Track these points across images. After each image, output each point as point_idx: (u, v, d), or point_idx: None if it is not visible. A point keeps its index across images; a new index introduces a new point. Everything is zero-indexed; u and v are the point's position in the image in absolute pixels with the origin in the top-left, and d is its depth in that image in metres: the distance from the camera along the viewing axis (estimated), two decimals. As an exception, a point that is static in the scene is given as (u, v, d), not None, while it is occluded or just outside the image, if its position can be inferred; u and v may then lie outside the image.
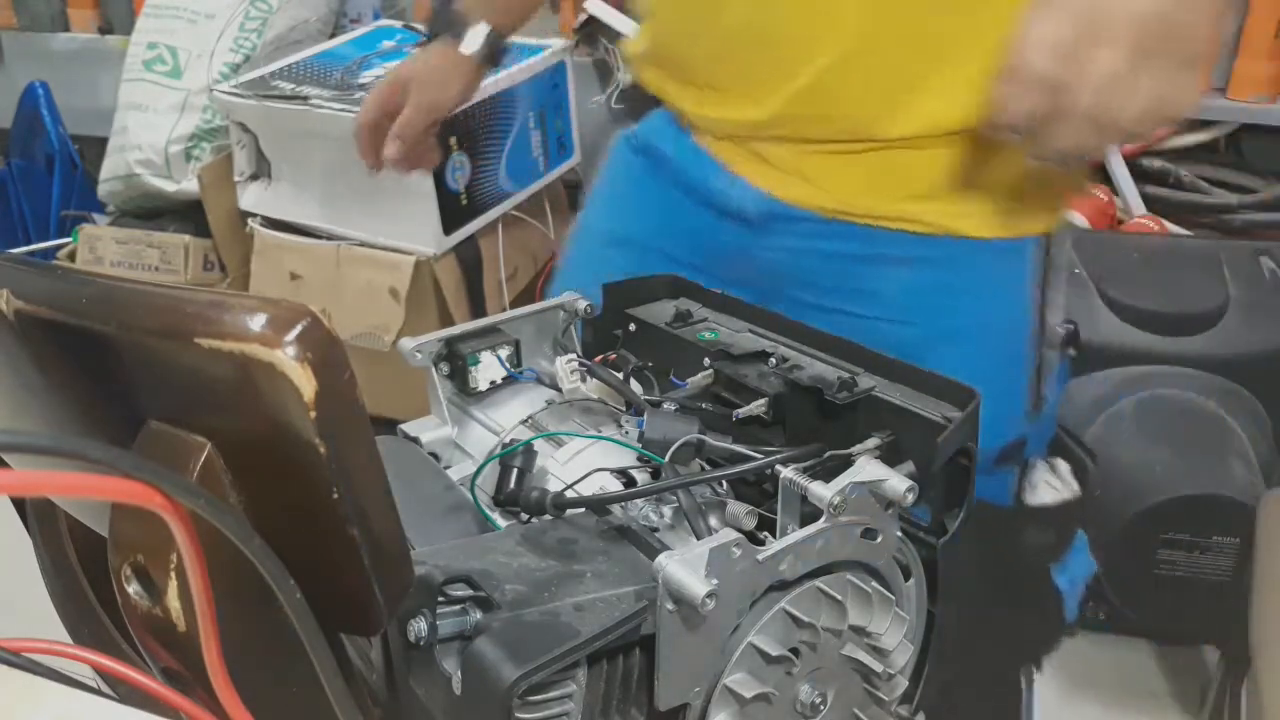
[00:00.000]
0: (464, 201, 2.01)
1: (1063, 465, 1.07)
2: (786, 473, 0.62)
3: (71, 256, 2.42)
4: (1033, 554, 1.07)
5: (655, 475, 0.69)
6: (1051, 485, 1.05)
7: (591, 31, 2.25)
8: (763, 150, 0.95)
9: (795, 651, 0.60)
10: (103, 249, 2.38)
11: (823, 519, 0.60)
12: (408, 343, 0.79)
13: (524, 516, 0.67)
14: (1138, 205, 2.01)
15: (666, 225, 1.02)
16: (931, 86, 0.87)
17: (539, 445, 0.72)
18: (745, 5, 0.89)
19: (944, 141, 0.89)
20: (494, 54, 1.17)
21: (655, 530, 0.65)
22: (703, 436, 0.68)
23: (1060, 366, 1.02)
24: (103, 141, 2.47)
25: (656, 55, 1.01)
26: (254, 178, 2.19)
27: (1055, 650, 1.24)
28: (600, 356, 0.82)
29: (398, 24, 2.33)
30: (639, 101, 1.06)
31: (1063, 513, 1.07)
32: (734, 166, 0.97)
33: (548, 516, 0.66)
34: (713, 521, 0.65)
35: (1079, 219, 1.88)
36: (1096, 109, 0.68)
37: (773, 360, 0.75)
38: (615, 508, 0.66)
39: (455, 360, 0.79)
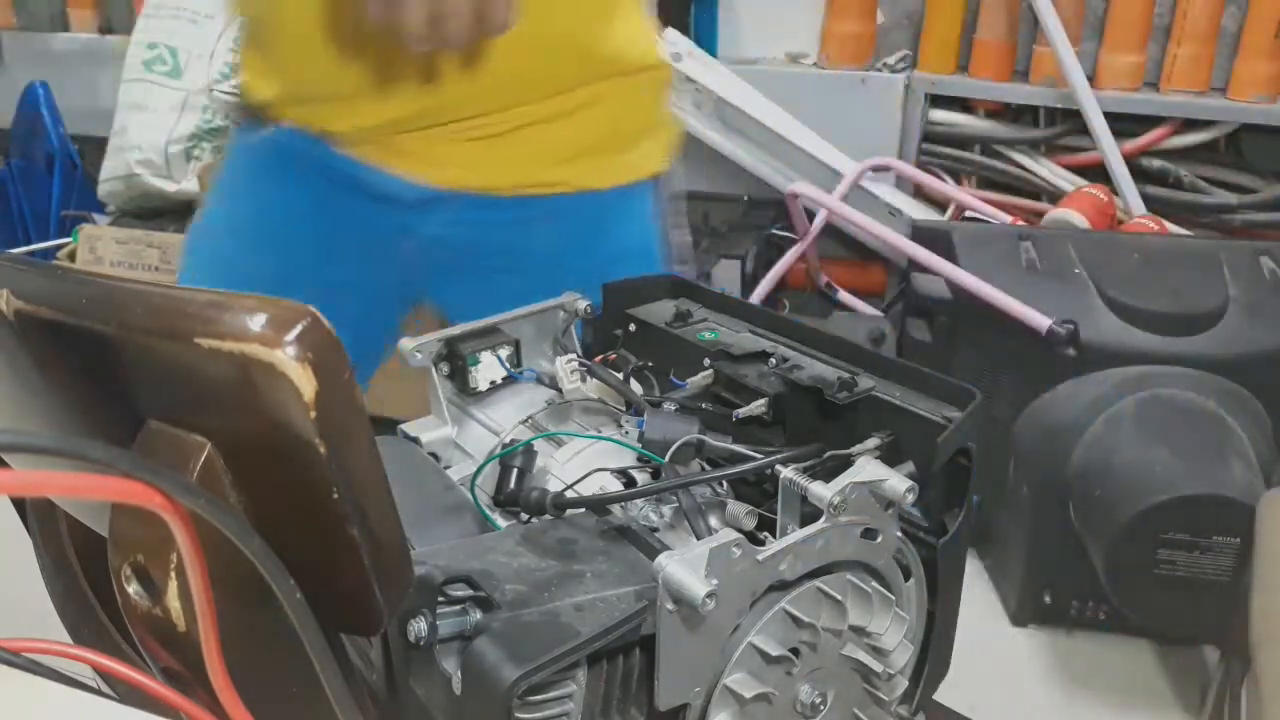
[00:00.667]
0: (464, 201, 2.00)
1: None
2: (786, 473, 0.62)
3: (71, 256, 2.42)
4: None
5: (655, 475, 0.69)
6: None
7: (591, 31, 2.25)
8: (406, 144, 1.01)
9: (795, 651, 0.60)
10: (103, 249, 2.38)
11: (823, 519, 0.60)
12: (408, 343, 0.79)
13: (524, 516, 0.67)
14: (1138, 205, 2.01)
15: (315, 220, 1.06)
16: (525, 78, 0.99)
17: (539, 445, 0.72)
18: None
19: (562, 118, 1.01)
20: None
21: (655, 530, 0.65)
22: (703, 436, 0.68)
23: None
24: (103, 141, 2.47)
25: (287, 92, 1.04)
26: (254, 178, 2.18)
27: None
28: (600, 356, 0.82)
29: (398, 24, 2.33)
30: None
31: None
32: (385, 163, 1.02)
33: (548, 516, 0.66)
34: (713, 521, 0.65)
35: (1079, 219, 1.88)
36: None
37: (773, 360, 0.75)
38: (615, 508, 0.66)
39: (455, 360, 0.79)
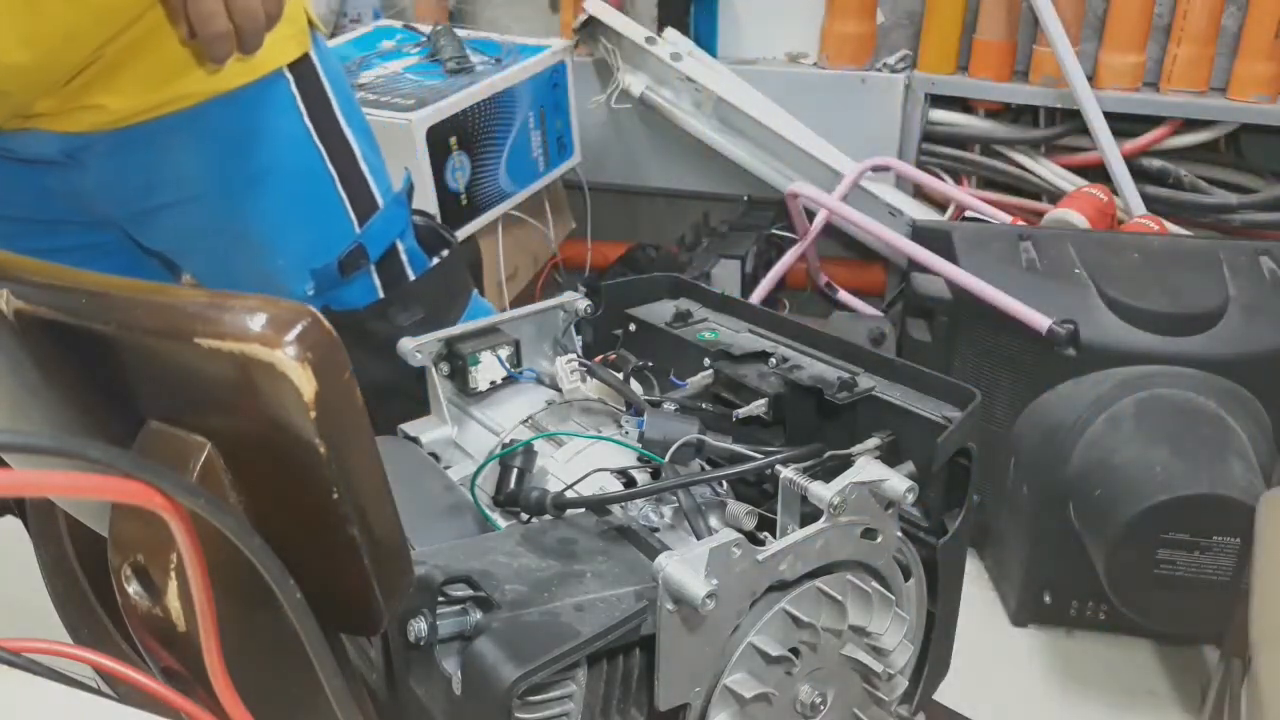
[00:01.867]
0: (464, 201, 2.01)
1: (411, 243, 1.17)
2: (786, 473, 0.62)
3: (71, 256, 2.42)
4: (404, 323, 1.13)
5: (655, 475, 0.68)
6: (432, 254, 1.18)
7: (591, 31, 2.25)
8: (34, 108, 0.97)
9: (795, 651, 0.60)
10: (103, 249, 2.38)
11: (823, 519, 0.60)
12: (408, 343, 0.79)
13: (524, 516, 0.67)
14: (1138, 205, 2.01)
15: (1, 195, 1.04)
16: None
17: (539, 445, 0.72)
18: None
19: (143, 34, 0.96)
20: None
21: (655, 530, 0.65)
22: (703, 436, 0.68)
23: (381, 163, 1.13)
24: (103, 141, 2.46)
25: None
26: (254, 178, 2.18)
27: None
28: (600, 356, 0.82)
29: (398, 24, 2.33)
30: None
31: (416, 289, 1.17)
32: (21, 126, 0.99)
33: (548, 516, 0.66)
34: (713, 521, 0.65)
35: (1079, 219, 1.88)
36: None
37: (773, 360, 0.75)
38: (615, 508, 0.66)
39: (455, 360, 0.79)
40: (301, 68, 1.04)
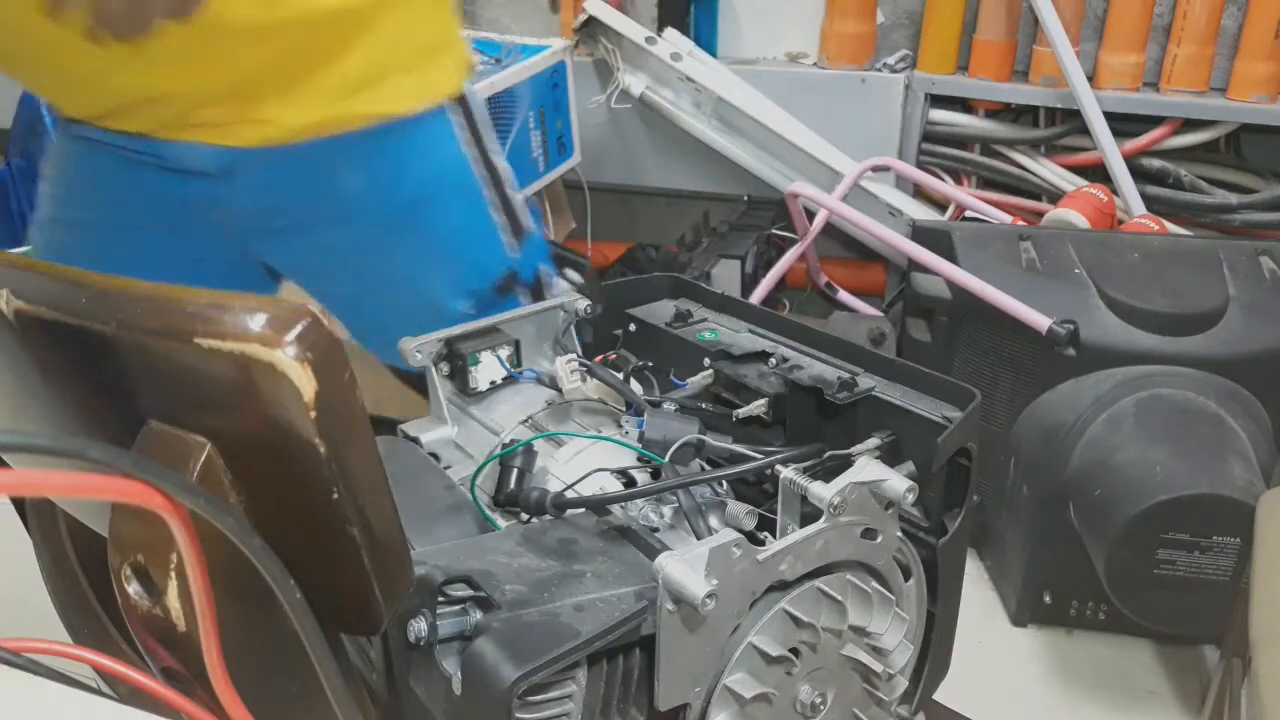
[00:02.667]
0: (464, 201, 2.00)
1: (573, 275, 1.21)
2: (786, 473, 0.62)
3: (71, 256, 2.42)
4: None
5: (655, 475, 0.68)
6: (569, 281, 1.20)
7: (591, 31, 2.25)
8: (195, 117, 0.98)
9: (795, 651, 0.60)
10: (103, 249, 2.38)
11: (823, 519, 0.60)
12: (408, 343, 0.79)
13: (524, 516, 0.67)
14: (1138, 205, 2.01)
15: (124, 200, 1.04)
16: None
17: (539, 445, 0.72)
18: None
19: (338, 44, 0.97)
20: None
21: (655, 530, 0.65)
22: (703, 437, 0.68)
23: (531, 202, 1.16)
24: (103, 141, 2.46)
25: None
26: (254, 178, 2.18)
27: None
28: (600, 356, 0.82)
29: (398, 24, 2.32)
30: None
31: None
32: (176, 136, 1.00)
33: (548, 517, 0.66)
34: (713, 521, 0.65)
35: (1079, 219, 1.88)
36: None
37: (773, 360, 0.75)
38: (615, 508, 0.66)
39: (455, 360, 0.79)
40: (461, 100, 1.08)
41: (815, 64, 2.26)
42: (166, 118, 0.98)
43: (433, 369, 0.79)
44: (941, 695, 0.77)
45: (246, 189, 1.02)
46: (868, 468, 0.62)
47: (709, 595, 0.53)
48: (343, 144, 1.01)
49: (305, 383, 0.40)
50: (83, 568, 0.61)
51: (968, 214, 2.11)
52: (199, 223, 1.05)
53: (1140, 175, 2.07)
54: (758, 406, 0.72)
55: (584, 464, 0.70)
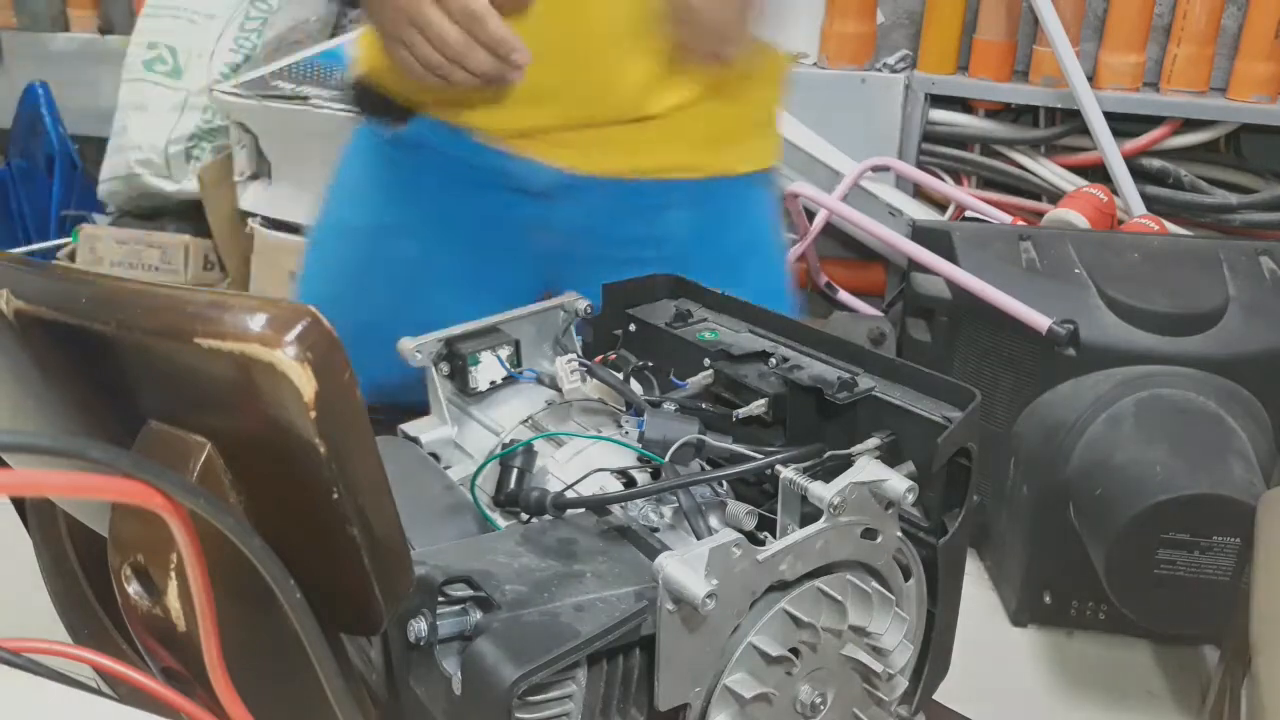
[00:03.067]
0: (464, 201, 2.00)
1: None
2: (786, 473, 0.62)
3: (71, 256, 2.42)
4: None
5: (655, 475, 0.68)
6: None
7: (591, 31, 2.25)
8: (552, 138, 1.01)
9: (795, 652, 0.60)
10: (103, 249, 2.38)
11: (823, 519, 0.60)
12: (408, 343, 0.79)
13: (524, 516, 0.67)
14: (1138, 205, 2.01)
15: (454, 212, 1.06)
16: (673, 69, 1.00)
17: (539, 445, 0.72)
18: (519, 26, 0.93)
19: (699, 106, 1.03)
20: None
21: (655, 530, 0.65)
22: (703, 437, 0.68)
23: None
24: (103, 141, 2.47)
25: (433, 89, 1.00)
26: (254, 178, 2.19)
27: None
28: (600, 356, 0.82)
29: (398, 24, 2.32)
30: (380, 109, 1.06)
31: None
32: (525, 152, 1.02)
33: (548, 517, 0.66)
34: (713, 521, 0.65)
35: (1079, 219, 1.88)
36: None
37: (773, 360, 0.75)
38: (615, 508, 0.66)
39: (455, 360, 0.79)
40: (772, 171, 1.15)
41: (815, 64, 2.26)
42: (540, 134, 1.01)
43: (433, 369, 0.79)
44: (941, 695, 0.77)
45: (573, 212, 1.04)
46: (868, 468, 0.62)
47: (709, 595, 0.53)
48: (678, 188, 1.05)
49: (305, 383, 0.40)
50: (83, 568, 0.61)
51: (968, 214, 2.11)
52: (517, 244, 1.06)
53: (1140, 175, 2.07)
54: (758, 406, 0.72)
55: (584, 464, 0.70)
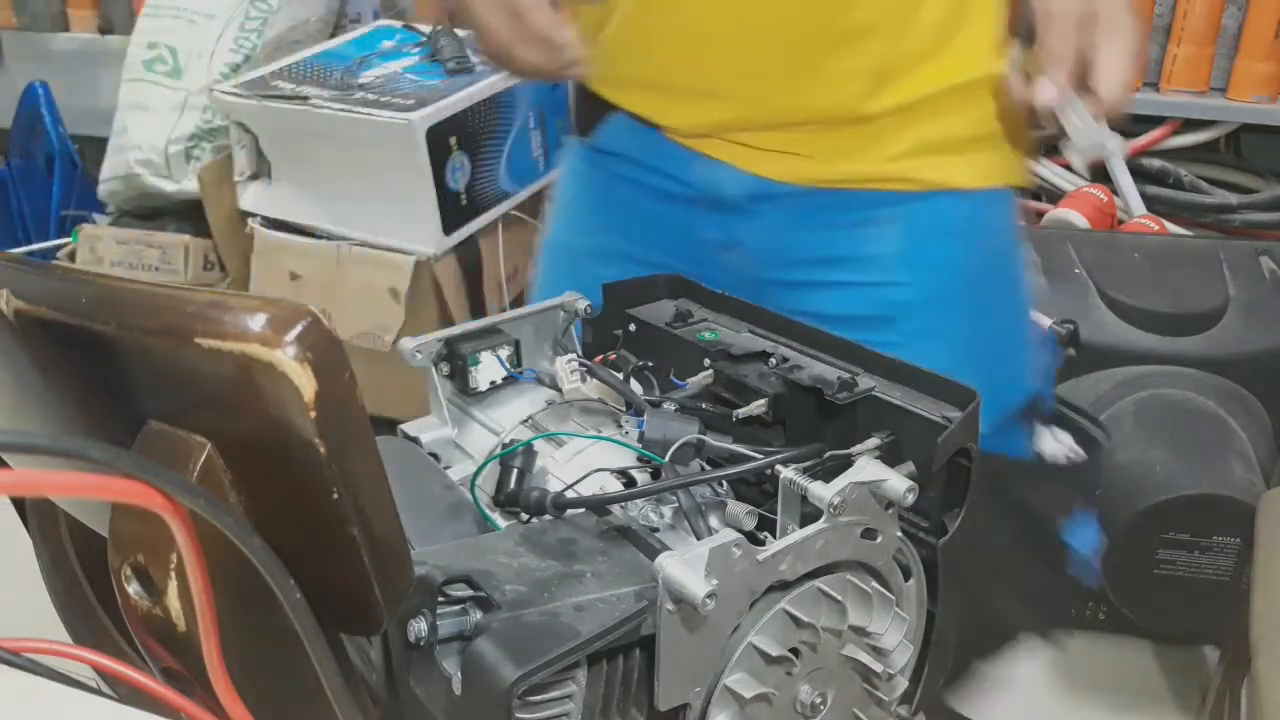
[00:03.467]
0: (464, 201, 2.01)
1: (1064, 434, 1.07)
2: (786, 473, 0.62)
3: (71, 256, 2.42)
4: (1049, 509, 1.04)
5: (655, 475, 0.68)
6: (1059, 446, 1.05)
7: (592, 31, 2.25)
8: (743, 138, 0.92)
9: (795, 652, 0.60)
10: (103, 249, 2.38)
11: (823, 519, 0.60)
12: (408, 343, 0.79)
13: (524, 516, 0.67)
14: (1138, 205, 2.01)
15: (648, 231, 0.99)
16: (906, 62, 0.89)
17: (539, 445, 0.72)
18: (713, 7, 0.86)
19: (926, 106, 0.90)
20: None
21: (655, 530, 0.65)
22: (703, 437, 0.68)
23: (1050, 336, 1.05)
24: (103, 141, 2.47)
25: (618, 71, 0.95)
26: (254, 178, 2.19)
27: (1063, 617, 1.24)
28: (600, 356, 0.82)
29: (398, 24, 2.33)
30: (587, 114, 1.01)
31: (1072, 474, 1.05)
32: (711, 154, 0.93)
33: (548, 517, 0.66)
34: (713, 521, 0.65)
35: (1079, 219, 1.88)
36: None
37: (773, 360, 0.75)
38: (615, 508, 0.66)
39: (455, 360, 0.79)
40: (1018, 191, 0.97)
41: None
42: (725, 133, 0.91)
43: (433, 369, 0.79)
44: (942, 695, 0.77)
45: (764, 227, 0.93)
46: (868, 468, 0.62)
47: (709, 595, 0.53)
48: (887, 201, 0.91)
49: (305, 383, 0.40)
50: (83, 568, 0.61)
51: (968, 214, 2.11)
52: (709, 269, 0.95)
53: (1140, 175, 2.07)
54: (758, 406, 0.72)
55: (584, 464, 0.70)
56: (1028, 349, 0.97)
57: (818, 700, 0.62)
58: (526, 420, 0.77)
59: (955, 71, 0.90)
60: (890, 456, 0.66)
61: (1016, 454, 0.98)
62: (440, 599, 0.56)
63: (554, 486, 0.68)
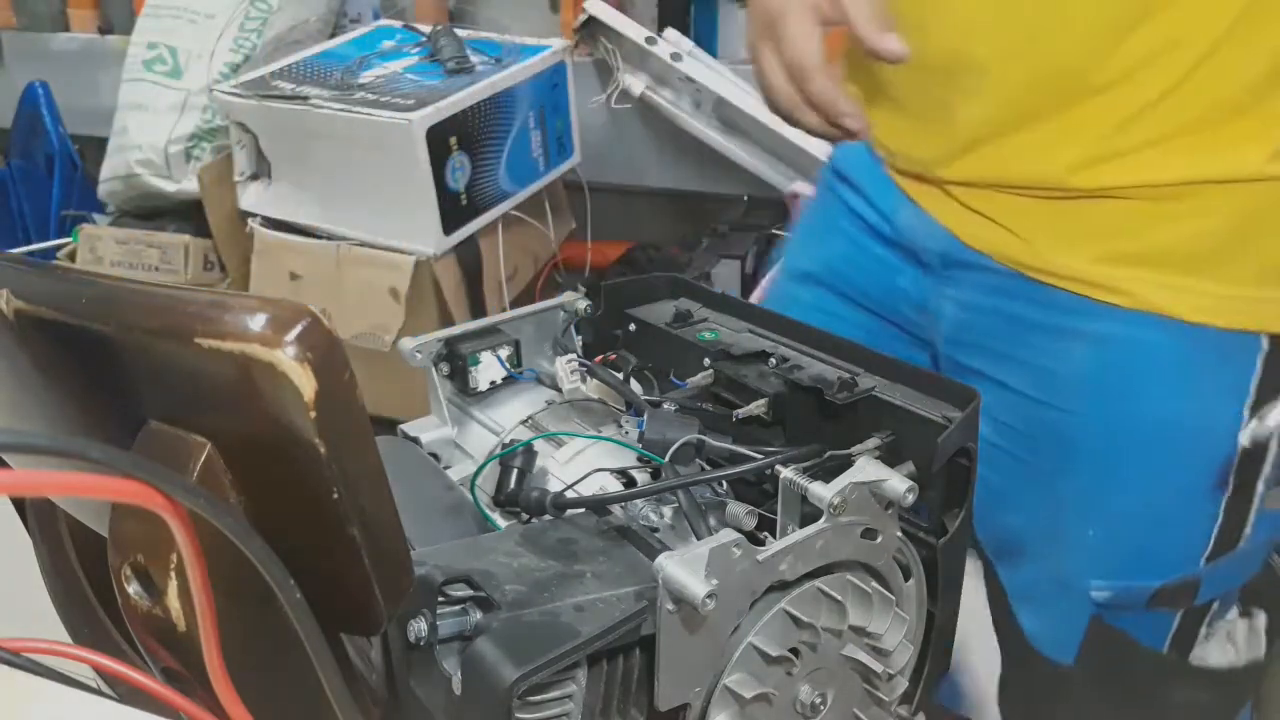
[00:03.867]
0: (464, 201, 2.01)
1: (1260, 621, 0.87)
2: (786, 473, 0.62)
3: (71, 256, 2.42)
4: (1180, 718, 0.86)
5: (655, 475, 0.68)
6: (1230, 644, 0.85)
7: (592, 31, 2.25)
8: (952, 188, 0.84)
9: (795, 652, 0.60)
10: (103, 249, 2.38)
11: (823, 519, 0.60)
12: (408, 343, 0.79)
13: (524, 517, 0.67)
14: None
15: (851, 261, 0.94)
16: (1148, 127, 0.74)
17: (539, 445, 0.72)
18: (946, 30, 0.79)
19: (1164, 194, 0.75)
20: None
21: (655, 530, 0.65)
22: (703, 437, 0.68)
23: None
24: (103, 141, 2.47)
25: (857, 76, 0.89)
26: (254, 178, 2.19)
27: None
28: (600, 357, 0.82)
29: (398, 24, 2.33)
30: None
31: (1228, 680, 0.85)
32: (919, 200, 0.87)
33: (548, 517, 0.66)
34: (713, 522, 0.65)
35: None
36: None
37: (773, 360, 0.75)
38: (615, 508, 0.66)
39: (455, 360, 0.79)
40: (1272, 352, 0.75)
41: (815, 64, 2.26)
42: (933, 177, 0.84)
43: (433, 369, 0.80)
44: (941, 695, 0.77)
45: (952, 300, 0.85)
46: (868, 468, 0.62)
47: (709, 595, 0.53)
48: (1088, 309, 0.77)
49: (305, 383, 0.40)
50: (83, 568, 0.61)
51: (968, 214, 2.11)
52: (905, 321, 0.90)
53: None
54: (758, 406, 0.72)
55: (584, 464, 0.70)
56: (1202, 528, 0.80)
57: (817, 700, 0.62)
58: (526, 420, 0.77)
59: (1219, 162, 0.73)
60: (890, 456, 0.66)
61: (1146, 641, 0.84)
62: (440, 599, 0.56)
63: (554, 486, 0.68)
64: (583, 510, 0.65)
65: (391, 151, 1.91)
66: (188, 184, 2.34)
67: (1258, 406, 0.75)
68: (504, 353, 0.80)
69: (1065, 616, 0.85)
